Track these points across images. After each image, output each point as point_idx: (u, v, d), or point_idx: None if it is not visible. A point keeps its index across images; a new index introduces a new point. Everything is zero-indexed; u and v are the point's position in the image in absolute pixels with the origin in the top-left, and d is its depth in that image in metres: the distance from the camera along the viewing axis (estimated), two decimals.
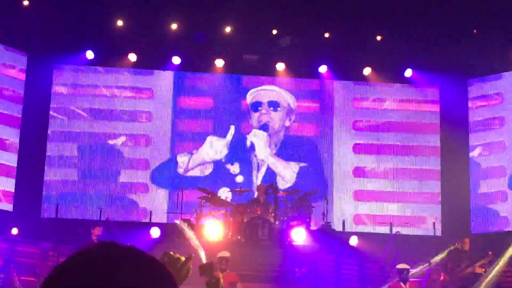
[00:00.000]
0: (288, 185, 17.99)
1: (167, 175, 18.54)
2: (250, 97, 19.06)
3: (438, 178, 18.84)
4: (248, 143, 18.73)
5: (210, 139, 18.67)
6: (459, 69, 18.65)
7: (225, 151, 18.62)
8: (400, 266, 13.27)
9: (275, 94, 19.13)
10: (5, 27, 17.75)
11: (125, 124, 18.68)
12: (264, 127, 18.85)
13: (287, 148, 18.83)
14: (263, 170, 18.65)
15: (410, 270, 13.45)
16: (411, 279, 13.57)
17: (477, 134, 18.81)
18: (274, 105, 19.08)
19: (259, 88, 19.15)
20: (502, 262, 14.19)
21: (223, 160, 18.66)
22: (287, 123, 19.03)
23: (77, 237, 14.66)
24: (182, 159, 18.64)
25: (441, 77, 18.85)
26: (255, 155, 18.67)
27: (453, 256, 14.27)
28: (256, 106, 19.01)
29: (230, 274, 12.44)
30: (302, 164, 18.67)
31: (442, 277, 14.22)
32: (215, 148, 18.61)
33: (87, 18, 17.81)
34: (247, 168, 18.64)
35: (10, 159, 17.82)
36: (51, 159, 18.38)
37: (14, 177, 17.80)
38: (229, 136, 18.66)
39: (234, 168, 18.59)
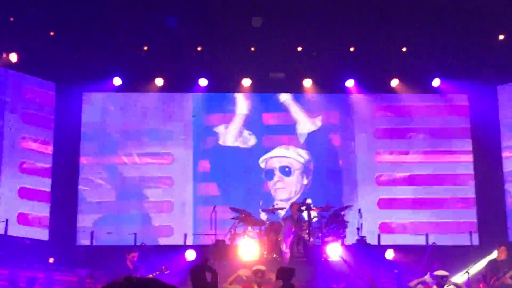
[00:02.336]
0: None
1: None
2: (263, 164, 19.03)
3: (471, 185, 18.70)
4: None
5: None
6: (488, 75, 18.53)
7: None
8: (438, 273, 13.18)
9: (285, 159, 19.06)
10: (33, 58, 17.94)
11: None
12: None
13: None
14: None
15: (449, 276, 13.31)
16: None
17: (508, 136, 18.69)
18: (285, 172, 19.04)
19: (268, 156, 19.08)
20: None
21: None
22: (305, 182, 18.98)
23: (113, 264, 14.70)
24: None
25: (470, 84, 18.73)
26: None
27: (492, 266, 14.10)
28: (269, 174, 19.00)
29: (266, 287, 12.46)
30: None
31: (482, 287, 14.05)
32: None
33: (113, 44, 17.95)
34: None
35: (46, 184, 18.04)
36: (84, 185, 18.52)
37: (49, 201, 17.99)
38: None
39: None
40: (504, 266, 13.97)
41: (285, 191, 18.82)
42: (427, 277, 13.29)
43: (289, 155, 19.01)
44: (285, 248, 15.00)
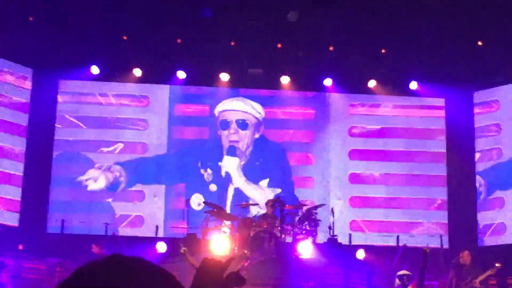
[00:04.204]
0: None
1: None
2: (217, 112, 19.08)
3: (443, 185, 18.84)
4: (223, 173, 18.76)
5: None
6: (465, 81, 18.67)
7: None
8: (401, 272, 13.34)
9: (241, 114, 19.13)
10: (10, 43, 17.81)
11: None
12: (232, 151, 18.84)
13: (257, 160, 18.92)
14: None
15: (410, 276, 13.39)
16: None
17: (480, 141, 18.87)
18: (242, 125, 19.10)
19: (226, 108, 19.14)
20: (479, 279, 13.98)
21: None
22: (256, 136, 19.08)
23: (83, 253, 14.64)
24: None
25: (447, 89, 18.85)
26: (232, 183, 18.73)
27: (457, 271, 14.19)
28: (224, 125, 19.03)
29: None
30: (266, 180, 18.73)
31: None
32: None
33: (92, 33, 17.85)
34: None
35: (17, 168, 17.92)
36: (56, 174, 18.43)
37: (20, 186, 17.87)
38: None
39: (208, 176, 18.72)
40: (469, 270, 14.04)
41: (238, 145, 18.89)
42: (396, 282, 13.38)
43: (247, 110, 19.08)
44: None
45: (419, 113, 19.29)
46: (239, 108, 19.18)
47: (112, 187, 18.58)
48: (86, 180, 18.49)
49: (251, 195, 18.46)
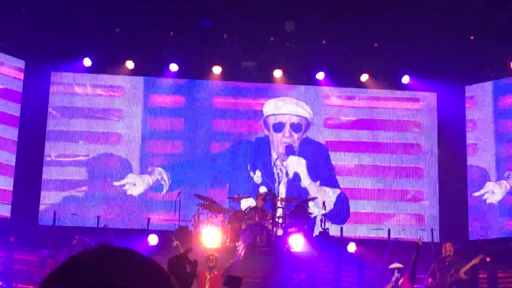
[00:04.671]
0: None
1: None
2: (266, 113, 19.09)
3: (436, 181, 18.92)
4: (291, 174, 18.75)
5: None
6: (457, 75, 18.72)
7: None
8: (393, 265, 13.42)
9: (296, 117, 19.16)
10: (3, 35, 17.77)
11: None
12: (291, 151, 18.85)
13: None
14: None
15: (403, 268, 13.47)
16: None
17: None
18: (296, 128, 19.13)
19: (280, 111, 19.16)
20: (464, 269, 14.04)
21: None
22: (304, 136, 19.15)
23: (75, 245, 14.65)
24: None
25: (439, 83, 18.89)
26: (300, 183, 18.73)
27: (440, 263, 14.25)
28: (278, 127, 19.04)
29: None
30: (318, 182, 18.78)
31: (430, 284, 14.20)
32: None
33: (85, 26, 17.82)
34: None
35: (9, 158, 17.89)
36: (48, 162, 18.42)
37: (12, 176, 17.84)
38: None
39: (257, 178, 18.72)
40: (454, 262, 14.09)
41: (293, 147, 19.03)
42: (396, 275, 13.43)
43: (300, 113, 19.11)
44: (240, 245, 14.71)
45: (409, 106, 19.34)
46: (293, 111, 19.20)
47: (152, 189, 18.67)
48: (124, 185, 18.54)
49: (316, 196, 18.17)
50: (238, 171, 18.77)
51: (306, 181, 18.76)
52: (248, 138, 19.05)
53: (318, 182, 18.77)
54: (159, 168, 18.63)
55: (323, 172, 18.91)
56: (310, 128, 19.19)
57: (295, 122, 19.20)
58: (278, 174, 18.87)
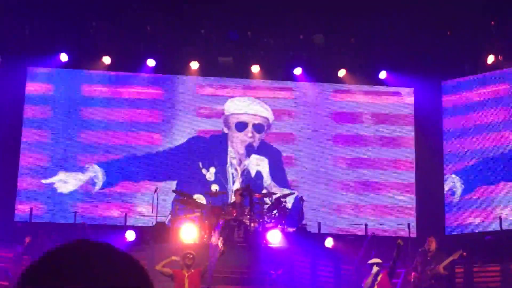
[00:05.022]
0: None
1: None
2: (229, 112, 19.05)
3: (412, 177, 19.03)
4: (253, 172, 18.76)
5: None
6: (434, 71, 18.84)
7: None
8: (372, 261, 13.51)
9: (259, 118, 19.16)
10: None
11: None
12: (252, 150, 18.87)
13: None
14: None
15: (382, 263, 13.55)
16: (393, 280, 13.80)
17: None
18: (259, 129, 19.14)
19: (243, 111, 19.15)
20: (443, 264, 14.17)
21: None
22: (263, 136, 19.13)
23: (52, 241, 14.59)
24: None
25: (416, 78, 18.99)
26: (262, 181, 18.74)
27: (422, 256, 14.35)
28: (241, 127, 19.03)
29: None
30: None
31: (412, 278, 14.31)
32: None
33: (61, 20, 17.72)
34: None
35: None
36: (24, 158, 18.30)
37: None
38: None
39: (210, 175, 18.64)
40: (435, 256, 14.21)
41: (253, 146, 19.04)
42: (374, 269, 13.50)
43: (264, 115, 19.13)
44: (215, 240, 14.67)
45: (386, 100, 19.43)
46: (256, 112, 19.18)
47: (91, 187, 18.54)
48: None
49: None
50: (189, 168, 18.69)
51: (268, 180, 18.75)
52: (204, 135, 18.99)
53: (276, 183, 18.78)
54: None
55: (279, 174, 18.93)
56: (270, 129, 19.18)
57: (258, 123, 19.19)
58: (232, 173, 18.83)
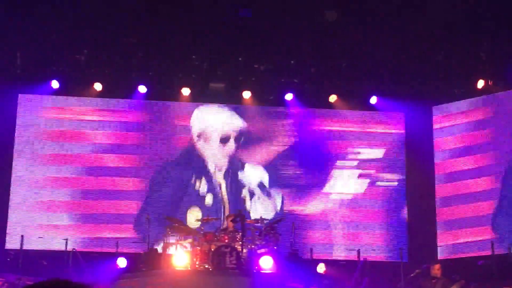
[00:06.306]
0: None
1: None
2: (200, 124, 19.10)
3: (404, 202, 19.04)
4: (255, 183, 18.85)
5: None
6: (424, 96, 18.92)
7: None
8: None
9: (236, 128, 19.24)
10: None
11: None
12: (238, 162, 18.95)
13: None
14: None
15: None
16: None
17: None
18: (238, 140, 19.20)
19: (227, 123, 19.19)
20: None
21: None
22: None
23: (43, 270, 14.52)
24: None
25: (406, 103, 19.06)
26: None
27: (427, 283, 14.32)
28: (225, 139, 19.05)
29: None
30: None
31: None
32: None
33: (52, 47, 17.75)
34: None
35: None
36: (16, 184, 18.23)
37: None
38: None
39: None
40: (438, 284, 14.19)
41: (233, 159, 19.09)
42: None
43: (239, 125, 19.17)
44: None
45: (378, 126, 19.48)
46: (237, 125, 19.20)
47: None
48: None
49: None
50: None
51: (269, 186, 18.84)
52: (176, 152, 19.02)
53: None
54: None
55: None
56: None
57: (236, 135, 19.23)
58: (220, 184, 18.89)
